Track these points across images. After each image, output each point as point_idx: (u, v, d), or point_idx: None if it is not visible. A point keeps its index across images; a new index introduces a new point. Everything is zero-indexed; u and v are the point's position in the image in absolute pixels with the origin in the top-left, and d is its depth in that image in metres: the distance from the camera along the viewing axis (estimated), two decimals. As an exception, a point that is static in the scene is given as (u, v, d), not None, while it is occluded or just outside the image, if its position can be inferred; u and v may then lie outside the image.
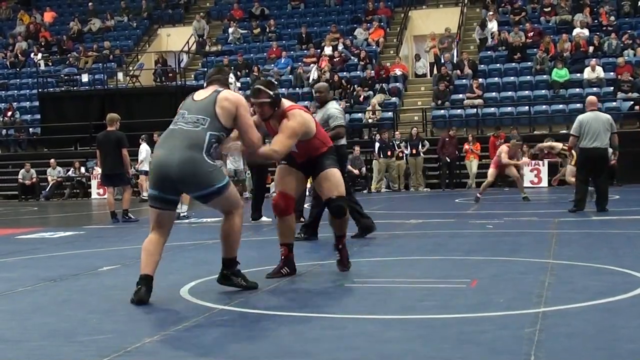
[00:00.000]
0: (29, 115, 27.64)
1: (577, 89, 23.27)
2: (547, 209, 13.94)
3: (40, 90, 27.39)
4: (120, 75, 27.76)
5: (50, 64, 30.16)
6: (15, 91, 29.18)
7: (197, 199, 5.86)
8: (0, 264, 8.38)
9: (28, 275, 7.30)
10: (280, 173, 6.80)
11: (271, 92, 6.28)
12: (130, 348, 4.34)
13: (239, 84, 24.04)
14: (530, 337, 4.33)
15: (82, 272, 5.97)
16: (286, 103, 6.49)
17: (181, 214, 13.06)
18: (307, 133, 6.45)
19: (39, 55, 30.02)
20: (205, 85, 6.14)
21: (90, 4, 32.50)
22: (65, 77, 27.81)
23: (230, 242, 5.95)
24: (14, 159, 25.89)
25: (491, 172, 16.01)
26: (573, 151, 13.82)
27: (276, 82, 23.96)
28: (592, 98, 13.21)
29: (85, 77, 27.34)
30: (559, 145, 16.09)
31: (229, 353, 4.24)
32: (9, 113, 27.07)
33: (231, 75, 6.01)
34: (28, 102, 28.07)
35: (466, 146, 21.53)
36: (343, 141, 9.71)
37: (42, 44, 30.78)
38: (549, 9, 27.01)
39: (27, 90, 28.83)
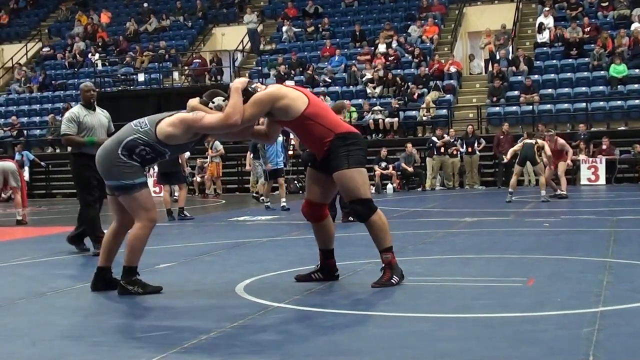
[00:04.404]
0: (87, 115, 28.02)
1: (636, 85, 22.86)
2: (605, 207, 13.74)
3: (97, 89, 27.75)
4: (175, 75, 28.05)
5: (107, 64, 30.57)
6: (74, 91, 29.59)
7: (110, 190, 6.02)
8: (59, 261, 8.54)
9: (87, 273, 7.38)
10: (308, 179, 6.36)
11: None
12: (187, 344, 4.39)
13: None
14: (588, 336, 4.27)
15: (139, 269, 6.04)
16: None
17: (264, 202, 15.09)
18: (277, 102, 5.90)
19: (97, 56, 30.47)
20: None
21: (145, 4, 32.88)
22: (122, 77, 28.15)
23: (128, 250, 6.03)
24: (72, 157, 26.25)
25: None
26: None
27: (331, 79, 24.26)
28: None
29: (141, 77, 27.65)
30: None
31: (285, 350, 4.26)
32: (68, 112, 27.50)
33: (219, 98, 5.80)
34: (86, 102, 28.45)
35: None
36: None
37: (100, 44, 31.24)
38: (607, 3, 26.58)
39: (85, 90, 29.22)
